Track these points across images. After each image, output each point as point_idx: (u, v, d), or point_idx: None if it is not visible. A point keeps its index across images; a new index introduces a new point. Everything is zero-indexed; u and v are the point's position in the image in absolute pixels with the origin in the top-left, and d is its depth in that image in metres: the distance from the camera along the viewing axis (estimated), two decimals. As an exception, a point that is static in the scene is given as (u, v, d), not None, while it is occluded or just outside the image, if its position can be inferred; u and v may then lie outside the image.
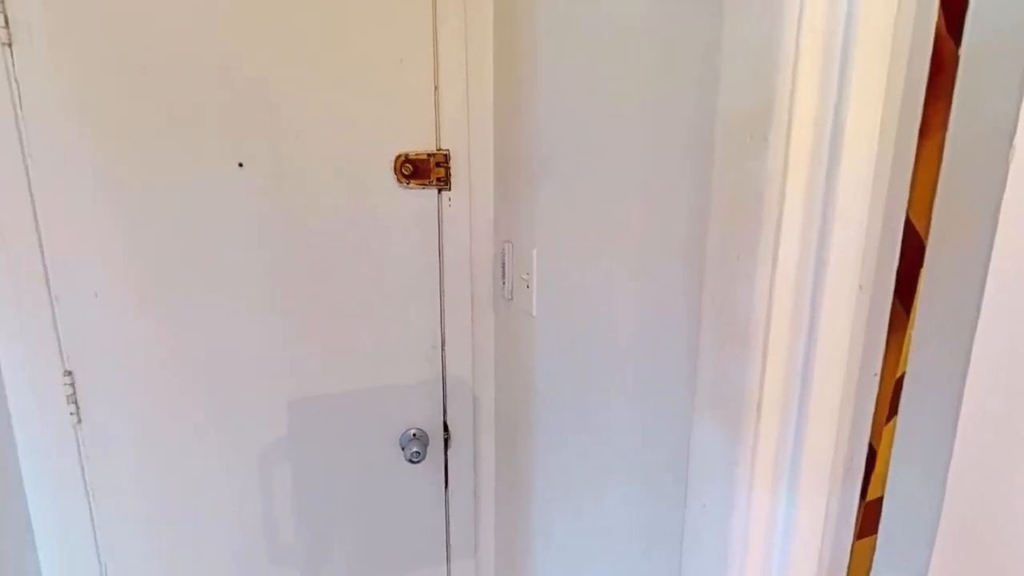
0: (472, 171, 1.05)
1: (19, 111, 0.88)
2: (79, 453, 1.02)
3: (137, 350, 1.00)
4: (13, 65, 0.86)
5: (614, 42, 0.67)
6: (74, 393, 0.99)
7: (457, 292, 1.11)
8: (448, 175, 1.03)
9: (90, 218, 0.94)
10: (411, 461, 1.14)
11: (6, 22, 0.84)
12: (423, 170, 1.01)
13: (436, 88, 1.00)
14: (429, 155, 1.02)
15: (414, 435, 1.18)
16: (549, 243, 0.87)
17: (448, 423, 1.18)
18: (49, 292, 0.95)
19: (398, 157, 1.01)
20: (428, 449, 1.18)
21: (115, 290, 0.97)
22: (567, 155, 0.80)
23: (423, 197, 1.05)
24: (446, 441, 1.19)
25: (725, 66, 0.47)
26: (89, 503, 1.04)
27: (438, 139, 1.02)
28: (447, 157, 1.03)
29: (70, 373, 0.98)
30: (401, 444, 1.17)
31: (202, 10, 0.91)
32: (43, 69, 0.88)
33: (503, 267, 1.05)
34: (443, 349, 1.13)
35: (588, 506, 0.84)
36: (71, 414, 0.99)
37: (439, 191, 1.05)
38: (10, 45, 0.85)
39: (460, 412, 1.19)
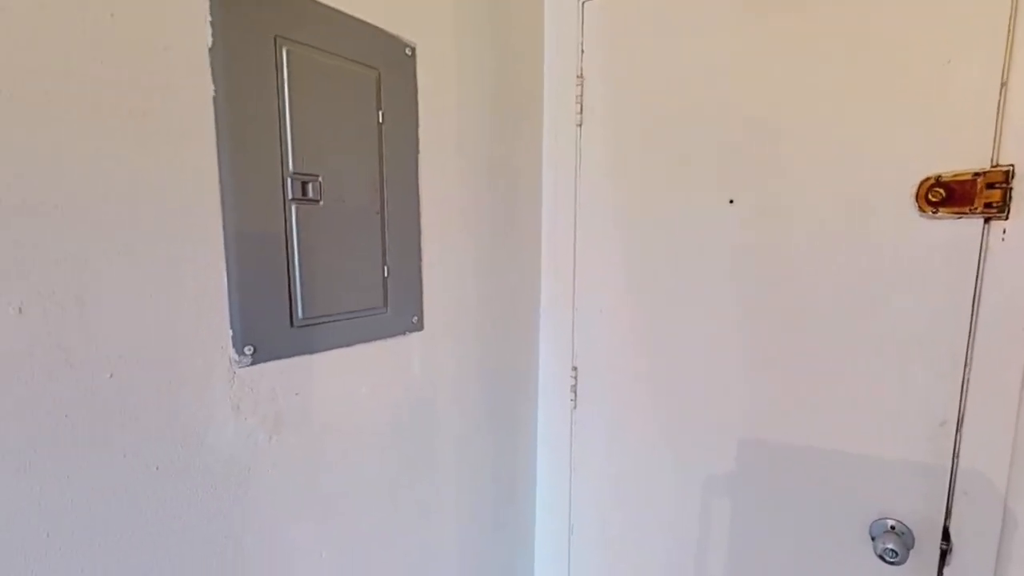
0: (1056, 192, 0.75)
1: (578, 172, 1.19)
2: (570, 432, 1.28)
3: (620, 358, 1.18)
4: (580, 139, 1.18)
5: None
6: (575, 384, 1.25)
7: (995, 357, 0.82)
8: (1006, 199, 0.77)
9: (605, 250, 1.18)
10: (882, 558, 0.92)
11: (581, 109, 1.16)
12: (963, 195, 0.79)
13: (1003, 86, 0.77)
14: (975, 175, 0.79)
15: (892, 527, 0.94)
16: None
17: (951, 529, 0.88)
18: (573, 307, 1.24)
19: (924, 181, 0.82)
20: (911, 553, 0.91)
21: (614, 308, 1.18)
22: None
23: (957, 228, 0.82)
24: (943, 553, 0.89)
25: None
26: (570, 473, 1.29)
27: (996, 153, 0.78)
28: (1008, 175, 0.77)
29: (575, 368, 1.25)
30: (871, 533, 0.95)
31: (711, 67, 1.01)
32: (595, 140, 1.16)
33: (1099, 333, 0.70)
34: (958, 430, 0.86)
35: None
36: (570, 400, 1.26)
37: (986, 221, 0.80)
38: (580, 125, 1.18)
39: (974, 521, 0.87)
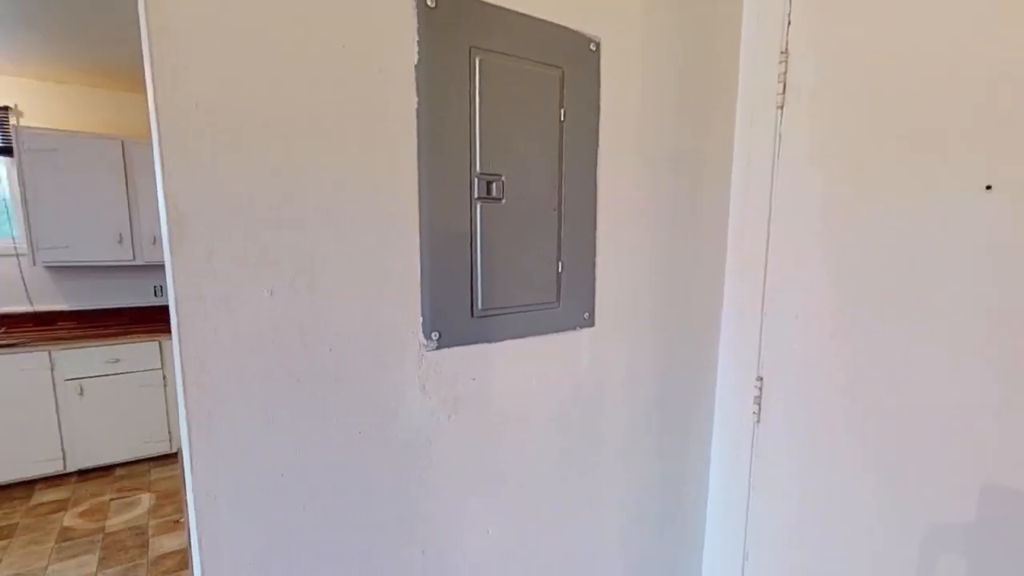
0: None
1: (776, 160, 1.06)
2: (751, 449, 1.16)
3: (819, 371, 1.03)
4: (780, 122, 1.04)
5: None
6: (760, 396, 1.13)
7: None
8: None
9: (806, 247, 1.03)
10: None
11: (784, 88, 1.03)
12: None
13: None
14: None
15: None
16: None
17: None
18: (761, 311, 1.11)
19: None
20: None
21: (813, 314, 1.03)
22: None
23: None
24: None
25: None
26: (748, 494, 1.17)
27: None
28: None
29: (760, 379, 1.12)
30: None
31: (969, 15, 0.80)
32: (799, 122, 1.02)
33: None
34: None
35: None
36: (753, 413, 1.14)
37: None
38: (782, 107, 1.04)
39: None
